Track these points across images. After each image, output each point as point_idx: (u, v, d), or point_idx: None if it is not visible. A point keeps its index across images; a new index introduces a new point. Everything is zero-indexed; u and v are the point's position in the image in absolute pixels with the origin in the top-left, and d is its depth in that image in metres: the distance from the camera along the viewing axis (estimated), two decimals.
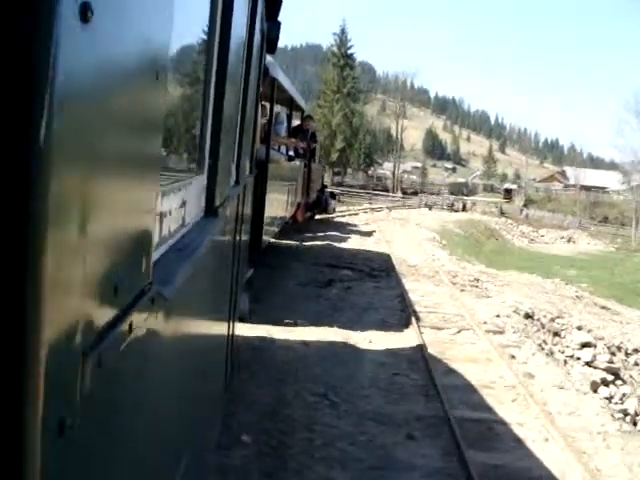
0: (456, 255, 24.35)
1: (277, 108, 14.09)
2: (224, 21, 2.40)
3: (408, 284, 14.29)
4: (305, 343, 9.15)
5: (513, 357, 9.85)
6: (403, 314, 11.55)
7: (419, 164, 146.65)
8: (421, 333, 10.27)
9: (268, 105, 11.58)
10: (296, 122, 18.65)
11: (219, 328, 3.49)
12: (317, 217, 27.14)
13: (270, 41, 6.92)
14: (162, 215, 1.54)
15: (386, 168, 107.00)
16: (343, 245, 20.03)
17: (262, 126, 10.14)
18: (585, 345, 13.02)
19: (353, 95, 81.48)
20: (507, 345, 10.47)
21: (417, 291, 13.70)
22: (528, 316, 12.95)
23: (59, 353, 0.72)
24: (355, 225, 29.58)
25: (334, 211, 32.01)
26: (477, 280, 16.19)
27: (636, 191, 76.70)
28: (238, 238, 4.25)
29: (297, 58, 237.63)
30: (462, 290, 14.54)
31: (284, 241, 18.06)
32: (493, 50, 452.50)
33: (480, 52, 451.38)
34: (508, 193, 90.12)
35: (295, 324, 10.12)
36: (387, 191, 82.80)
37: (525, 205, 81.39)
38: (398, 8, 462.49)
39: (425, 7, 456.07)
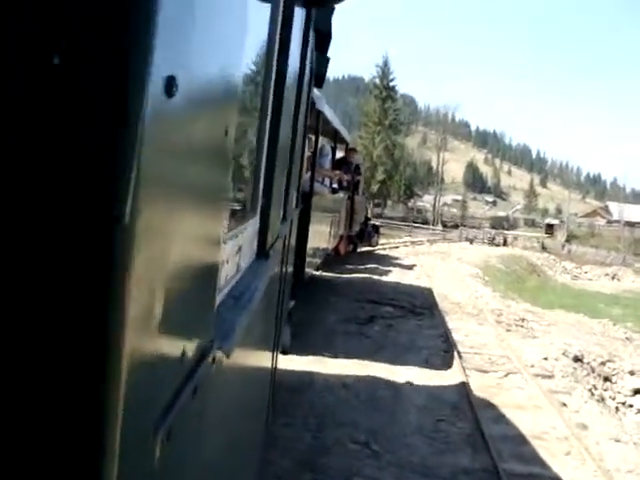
0: (499, 291, 23.80)
1: (322, 140, 14.10)
2: (280, 58, 2.39)
3: (451, 322, 13.86)
4: (344, 385, 8.79)
5: (564, 405, 9.37)
6: (447, 355, 11.11)
7: (459, 197, 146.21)
8: (466, 376, 9.85)
9: (313, 137, 11.52)
10: (340, 154, 18.58)
11: (264, 365, 3.45)
12: (360, 250, 26.85)
13: (318, 75, 7.03)
14: (221, 265, 1.46)
15: (426, 200, 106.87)
16: (384, 279, 19.60)
17: (307, 159, 10.11)
18: (638, 392, 12.42)
19: (394, 127, 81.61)
20: (557, 391, 10.00)
21: (461, 330, 13.25)
22: (577, 359, 12.42)
23: (131, 434, 0.70)
24: (396, 258, 29.20)
25: (377, 244, 31.91)
26: (523, 320, 15.68)
27: None
28: (284, 272, 4.30)
29: (339, 89, 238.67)
30: (508, 330, 14.07)
31: (326, 273, 17.96)
32: (535, 84, 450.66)
33: (522, 86, 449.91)
34: (550, 228, 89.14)
35: (335, 362, 9.79)
36: (427, 224, 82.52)
37: (567, 240, 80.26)
38: (440, 41, 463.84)
39: (467, 41, 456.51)
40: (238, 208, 2.15)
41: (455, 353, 11.05)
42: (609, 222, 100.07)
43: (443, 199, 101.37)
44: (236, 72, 1.22)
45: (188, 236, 0.93)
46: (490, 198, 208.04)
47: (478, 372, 10.40)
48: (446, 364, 10.55)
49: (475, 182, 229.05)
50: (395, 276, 21.09)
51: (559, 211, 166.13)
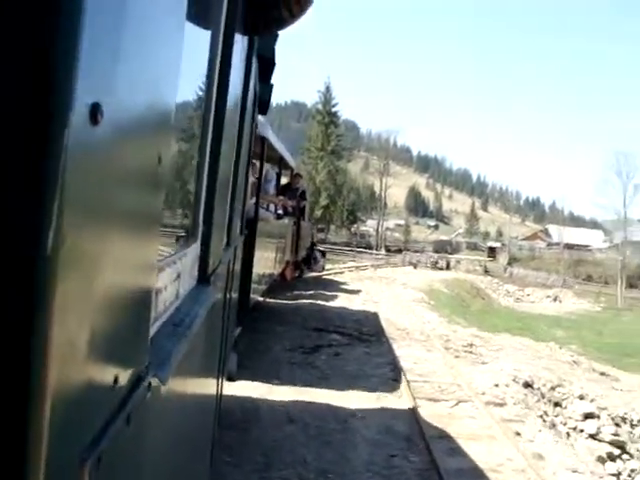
0: (445, 316, 23.73)
1: (267, 166, 14.07)
2: (220, 85, 2.38)
3: (399, 350, 13.63)
4: (291, 419, 8.44)
5: (518, 434, 9.17)
6: (396, 384, 10.85)
7: (402, 221, 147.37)
8: (417, 406, 9.59)
9: (258, 163, 11.49)
10: (285, 180, 18.73)
11: (208, 392, 3.41)
12: (306, 275, 27.05)
13: (262, 102, 7.17)
14: (157, 291, 1.44)
15: (369, 225, 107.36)
16: (330, 304, 19.37)
17: (252, 184, 10.16)
18: (588, 416, 12.32)
19: (337, 152, 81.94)
20: (510, 419, 9.83)
21: (409, 357, 13.02)
22: (527, 385, 12.29)
23: (57, 462, 0.69)
24: (341, 284, 29.01)
25: (323, 269, 32.08)
26: (471, 345, 15.53)
27: (620, 250, 76.99)
28: (228, 298, 4.27)
29: (282, 115, 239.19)
30: (456, 356, 13.88)
31: (273, 300, 17.97)
32: (476, 109, 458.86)
33: (462, 112, 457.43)
34: (492, 251, 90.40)
35: (281, 393, 9.44)
36: (371, 248, 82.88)
37: (509, 263, 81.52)
38: (381, 67, 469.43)
39: (409, 65, 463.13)
40: (177, 235, 2.11)
41: (404, 382, 10.78)
42: (549, 245, 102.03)
43: (386, 224, 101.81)
44: (170, 99, 1.19)
45: (118, 264, 0.91)
46: (432, 222, 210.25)
47: (429, 401, 10.16)
48: (396, 393, 10.28)
49: (417, 206, 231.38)
50: (341, 302, 20.92)
51: (500, 234, 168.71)
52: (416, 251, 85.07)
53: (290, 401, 9.12)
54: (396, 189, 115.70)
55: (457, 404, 10.15)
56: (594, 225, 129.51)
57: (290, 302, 19.04)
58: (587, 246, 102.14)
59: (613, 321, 43.84)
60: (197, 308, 2.00)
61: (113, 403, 0.92)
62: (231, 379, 8.16)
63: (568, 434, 11.59)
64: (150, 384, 1.15)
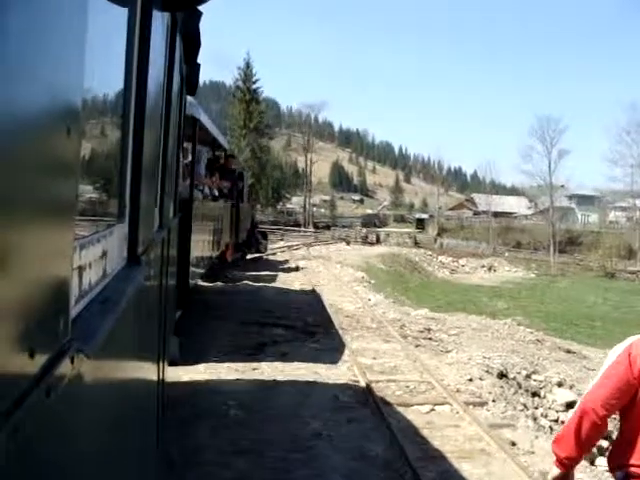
0: (389, 296, 22.42)
1: (201, 148, 14.31)
2: (140, 65, 2.30)
3: (354, 342, 12.12)
4: (241, 451, 6.78)
5: (513, 444, 7.67)
6: (358, 388, 9.28)
7: (327, 197, 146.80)
8: (388, 416, 8.02)
9: (190, 145, 11.54)
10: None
11: (149, 375, 3.37)
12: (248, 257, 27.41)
13: (190, 83, 7.35)
14: (81, 268, 1.45)
15: (295, 203, 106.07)
16: (269, 296, 17.55)
17: (186, 166, 10.42)
18: (570, 405, 10.94)
19: (260, 130, 79.79)
20: (499, 424, 8.44)
21: (366, 351, 11.50)
22: (502, 375, 10.99)
23: None
24: (275, 267, 27.20)
25: (266, 250, 32.29)
26: (428, 330, 14.15)
27: (547, 216, 77.38)
28: (164, 282, 4.32)
29: (201, 96, 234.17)
30: (417, 345, 12.41)
31: (210, 283, 17.79)
32: (393, 80, 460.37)
33: (381, 82, 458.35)
34: (421, 223, 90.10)
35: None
36: (299, 226, 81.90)
37: (439, 234, 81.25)
38: (298, 45, 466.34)
39: (324, 40, 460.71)
40: (102, 214, 2.07)
41: (366, 385, 9.24)
42: (476, 213, 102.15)
43: (311, 200, 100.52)
44: (77, 78, 1.15)
45: (30, 242, 0.90)
46: (357, 197, 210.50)
47: (400, 407, 8.68)
48: (361, 402, 8.73)
49: (341, 181, 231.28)
50: (279, 290, 19.08)
51: (425, 205, 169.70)
52: (344, 226, 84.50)
53: (237, 426, 7.43)
54: (320, 165, 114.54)
55: (433, 409, 8.63)
56: (515, 192, 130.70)
57: (229, 286, 18.41)
58: (512, 213, 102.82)
59: (550, 288, 43.75)
60: (126, 287, 1.98)
61: (29, 375, 0.90)
62: (174, 363, 8.00)
63: (551, 428, 10.20)
64: (73, 358, 1.12)
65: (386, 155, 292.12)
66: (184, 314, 9.83)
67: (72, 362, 1.11)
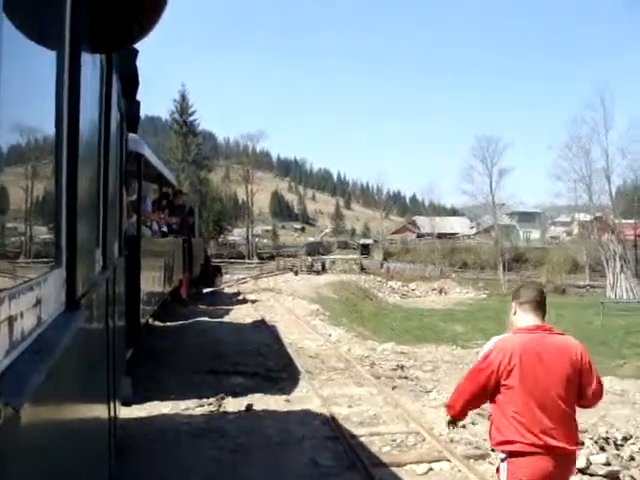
0: (349, 329, 21.20)
1: (149, 185, 14.28)
2: (71, 105, 2.28)
3: (324, 388, 10.84)
4: None
5: None
6: (337, 445, 8.02)
7: (269, 227, 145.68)
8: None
9: (136, 182, 11.09)
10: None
11: (97, 417, 3.36)
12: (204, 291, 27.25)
13: (131, 120, 7.35)
14: (11, 319, 1.41)
15: (236, 234, 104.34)
16: (222, 336, 16.13)
17: (131, 203, 10.19)
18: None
19: (198, 162, 78.14)
20: None
21: (339, 399, 10.28)
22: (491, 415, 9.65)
23: None
24: (227, 302, 25.75)
25: (220, 284, 32.44)
26: (401, 367, 12.95)
27: (495, 235, 77.33)
28: (110, 322, 4.26)
29: (138, 131, 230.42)
30: (394, 387, 11.15)
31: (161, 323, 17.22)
32: (328, 108, 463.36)
33: (316, 111, 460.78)
34: (365, 248, 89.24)
35: None
36: (243, 257, 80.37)
37: (385, 259, 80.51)
38: (231, 74, 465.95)
39: (258, 70, 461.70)
40: (33, 260, 2.00)
41: (347, 441, 7.99)
42: (419, 236, 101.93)
43: (254, 231, 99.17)
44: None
45: None
46: (298, 225, 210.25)
47: (391, 468, 7.41)
48: (343, 464, 7.44)
49: (282, 211, 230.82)
50: (232, 330, 17.67)
51: (367, 230, 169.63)
52: (289, 256, 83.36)
53: None
54: (260, 195, 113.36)
55: (430, 468, 7.39)
56: (455, 213, 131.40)
57: (181, 325, 17.75)
58: (455, 234, 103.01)
59: (503, 308, 42.75)
60: (62, 333, 1.92)
61: None
62: (127, 404, 7.90)
63: None
64: (0, 412, 1.12)
65: (325, 182, 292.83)
66: (135, 353, 9.54)
67: None
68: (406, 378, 12.10)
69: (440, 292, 55.66)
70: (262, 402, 9.95)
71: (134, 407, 9.07)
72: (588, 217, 73.35)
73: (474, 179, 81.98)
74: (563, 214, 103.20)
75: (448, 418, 4.63)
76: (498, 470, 4.31)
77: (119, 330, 5.57)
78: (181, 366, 12.04)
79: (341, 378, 11.73)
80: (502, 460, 4.21)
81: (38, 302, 1.75)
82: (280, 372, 12.01)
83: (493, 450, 4.57)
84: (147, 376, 10.69)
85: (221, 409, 9.58)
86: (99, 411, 3.44)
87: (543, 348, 4.13)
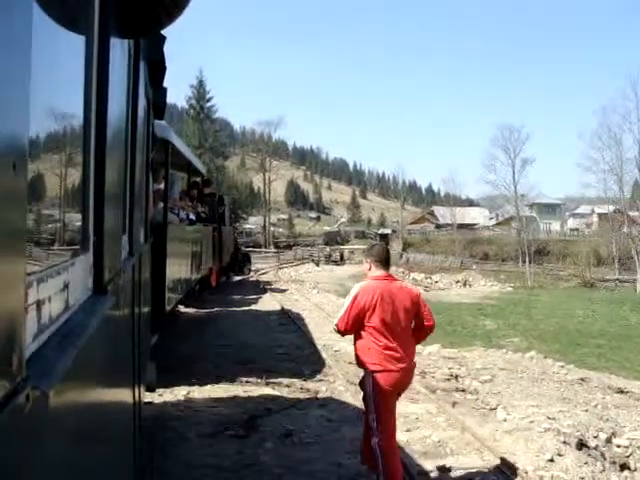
0: None
1: (176, 173, 14.45)
2: (100, 91, 2.29)
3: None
4: None
5: None
6: None
7: (284, 216, 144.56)
8: None
9: (163, 170, 11.20)
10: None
11: (123, 401, 3.39)
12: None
13: (157, 107, 7.54)
14: (39, 303, 1.42)
15: (252, 223, 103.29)
16: (247, 338, 14.58)
17: (158, 191, 10.38)
18: None
19: (216, 149, 76.65)
20: None
21: None
22: (582, 444, 8.12)
23: None
24: (249, 293, 24.27)
25: (250, 272, 33.04)
26: (455, 377, 11.33)
27: (520, 226, 75.70)
28: (136, 308, 4.29)
29: None
30: (454, 404, 9.56)
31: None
32: (345, 96, 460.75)
33: (335, 102, 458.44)
34: (384, 238, 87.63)
35: None
36: (259, 246, 79.19)
37: (404, 249, 79.02)
38: (248, 62, 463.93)
39: (275, 58, 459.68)
40: (61, 245, 2.00)
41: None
42: (438, 226, 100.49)
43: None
44: (23, 109, 1.14)
45: None
46: (314, 214, 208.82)
47: None
48: None
49: (297, 200, 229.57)
50: (261, 329, 16.09)
51: (383, 220, 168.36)
52: (306, 245, 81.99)
53: None
54: (275, 184, 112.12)
55: None
56: (470, 204, 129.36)
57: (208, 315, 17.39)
58: (474, 225, 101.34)
59: (532, 302, 41.44)
60: (90, 318, 1.94)
61: None
62: (151, 389, 7.91)
63: None
64: (28, 395, 1.11)
65: (341, 172, 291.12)
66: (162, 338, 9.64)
67: (27, 399, 1.11)
68: (464, 391, 10.50)
69: (464, 284, 54.07)
70: (302, 423, 8.40)
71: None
72: (608, 209, 71.64)
73: (496, 169, 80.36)
74: (583, 205, 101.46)
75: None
76: (362, 383, 5.88)
77: (145, 316, 5.73)
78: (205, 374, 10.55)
79: None
80: (365, 375, 5.78)
81: (66, 286, 1.78)
82: (318, 382, 10.45)
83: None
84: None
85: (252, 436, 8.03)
86: (125, 395, 3.49)
87: (392, 290, 5.77)
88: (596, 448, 8.38)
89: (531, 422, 8.68)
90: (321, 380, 10.59)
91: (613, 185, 68.78)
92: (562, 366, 14.17)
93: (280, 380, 10.52)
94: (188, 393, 9.61)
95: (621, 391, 12.42)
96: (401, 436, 7.90)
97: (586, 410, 9.86)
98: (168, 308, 10.30)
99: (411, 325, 5.87)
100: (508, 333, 26.74)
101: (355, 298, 5.67)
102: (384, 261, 5.95)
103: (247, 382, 10.35)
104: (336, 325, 5.80)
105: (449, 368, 11.99)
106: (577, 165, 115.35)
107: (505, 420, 8.92)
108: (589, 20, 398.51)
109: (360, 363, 5.79)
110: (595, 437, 8.69)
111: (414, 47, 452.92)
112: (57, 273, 1.66)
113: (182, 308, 17.30)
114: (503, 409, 9.46)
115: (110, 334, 2.68)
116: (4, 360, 1.01)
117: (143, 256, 5.40)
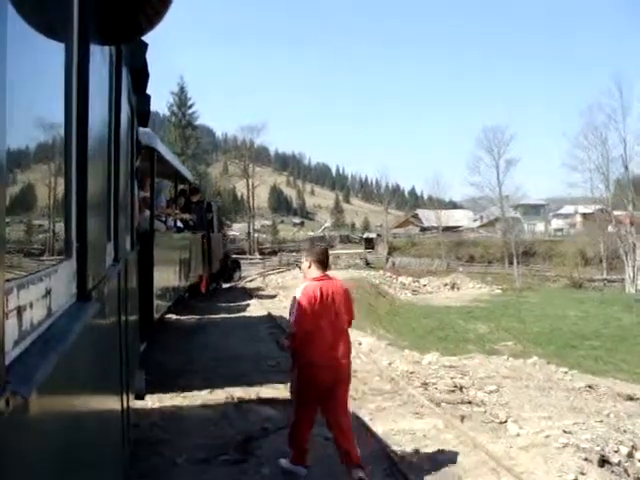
0: (376, 333, 19.03)
1: (164, 181, 14.49)
2: (80, 98, 2.29)
3: (376, 422, 8.68)
4: None
5: None
6: None
7: (268, 222, 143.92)
8: None
9: (149, 179, 11.15)
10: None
11: (109, 410, 3.38)
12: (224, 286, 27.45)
13: (141, 114, 7.52)
14: (20, 309, 1.42)
15: (236, 229, 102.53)
16: (237, 348, 13.90)
17: (144, 199, 10.37)
18: None
19: (198, 156, 75.80)
20: None
21: (398, 435, 8.10)
22: (603, 461, 7.55)
23: None
24: (230, 306, 23.54)
25: (240, 279, 32.80)
26: (460, 389, 10.68)
27: (495, 228, 75.59)
28: (122, 315, 4.28)
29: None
30: (462, 418, 8.94)
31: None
32: (326, 102, 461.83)
33: (316, 107, 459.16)
34: (369, 242, 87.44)
35: None
36: (244, 253, 78.32)
37: (389, 253, 78.59)
38: (227, 67, 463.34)
39: (262, 61, 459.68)
40: (44, 251, 2.04)
41: None
42: (423, 229, 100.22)
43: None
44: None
45: None
46: (297, 220, 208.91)
47: None
48: None
49: (281, 205, 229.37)
50: (241, 340, 15.40)
51: (367, 224, 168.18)
52: (291, 251, 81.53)
53: None
54: (258, 190, 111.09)
55: None
56: (454, 206, 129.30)
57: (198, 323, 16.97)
58: (459, 227, 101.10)
59: (522, 304, 41.06)
60: (73, 324, 1.93)
61: None
62: (140, 397, 7.56)
63: None
64: (8, 400, 1.13)
65: (324, 176, 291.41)
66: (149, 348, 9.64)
67: (7, 404, 1.12)
68: (470, 403, 9.88)
69: (452, 287, 53.60)
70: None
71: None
72: (595, 208, 71.54)
73: (481, 171, 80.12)
74: (566, 205, 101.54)
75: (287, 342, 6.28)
76: (293, 375, 6.28)
77: (132, 323, 5.72)
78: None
79: (393, 405, 9.48)
80: (293, 368, 6.22)
81: (48, 293, 1.77)
82: None
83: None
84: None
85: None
86: (112, 403, 3.47)
87: (330, 289, 6.18)
88: (619, 464, 7.81)
89: (547, 437, 8.09)
90: None
91: (599, 184, 68.67)
92: (566, 372, 13.63)
93: (274, 395, 9.86)
94: (176, 411, 8.95)
95: (630, 398, 11.89)
96: (403, 449, 7.38)
97: (601, 421, 9.30)
98: (156, 316, 10.22)
99: (345, 319, 6.35)
100: (501, 336, 26.33)
101: (300, 300, 6.07)
102: (323, 262, 6.37)
103: (239, 399, 9.69)
104: (291, 334, 6.22)
105: (451, 378, 11.37)
106: (563, 165, 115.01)
107: (518, 435, 8.31)
108: (573, 19, 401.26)
109: (296, 357, 6.23)
110: (616, 452, 8.12)
111: (397, 49, 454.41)
112: (39, 280, 1.67)
113: (173, 316, 17.12)
114: (514, 422, 8.87)
115: (95, 341, 2.69)
116: None
117: (130, 263, 5.47)
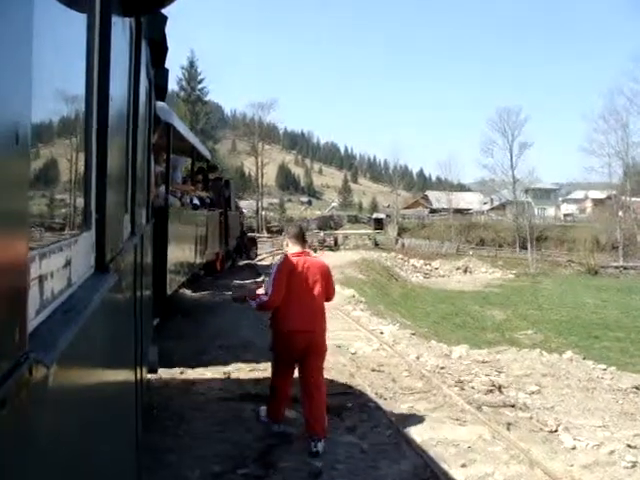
0: (395, 319, 18.03)
1: (179, 157, 13.89)
2: (102, 70, 2.29)
3: (410, 427, 7.61)
4: None
5: None
6: None
7: (276, 200, 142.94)
8: None
9: (165, 154, 11.10)
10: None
11: (124, 383, 3.38)
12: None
13: (159, 88, 7.63)
14: (42, 278, 1.43)
15: (244, 207, 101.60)
16: (248, 336, 12.90)
17: (160, 174, 10.49)
18: None
19: (207, 132, 74.67)
20: None
21: (439, 447, 7.08)
22: None
23: None
24: (246, 282, 22.68)
25: (256, 256, 32.67)
26: (498, 388, 9.65)
27: (505, 211, 74.37)
28: (138, 289, 4.31)
29: None
30: (508, 426, 7.93)
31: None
32: (337, 80, 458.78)
33: (326, 86, 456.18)
34: (379, 223, 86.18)
35: None
36: (252, 231, 77.27)
37: (399, 234, 77.47)
38: (242, 47, 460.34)
39: (270, 46, 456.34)
40: (63, 222, 2.01)
41: None
42: (432, 211, 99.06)
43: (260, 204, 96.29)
44: (25, 85, 1.13)
45: None
46: (305, 198, 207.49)
47: None
48: None
49: (288, 184, 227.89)
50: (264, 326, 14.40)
51: (375, 204, 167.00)
52: None
53: None
54: (266, 168, 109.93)
55: None
56: (461, 188, 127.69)
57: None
58: (469, 210, 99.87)
59: (538, 290, 40.32)
60: (92, 295, 1.93)
61: None
62: (153, 371, 7.72)
63: None
64: (31, 369, 1.10)
65: (332, 156, 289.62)
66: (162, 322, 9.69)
67: (30, 373, 1.11)
68: (513, 407, 8.88)
69: (465, 271, 52.63)
70: (329, 455, 6.72)
71: None
72: (612, 194, 70.28)
73: (494, 153, 78.86)
74: (577, 190, 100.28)
75: (253, 304, 6.89)
76: (273, 343, 6.89)
77: (147, 298, 5.78)
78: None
79: (428, 408, 8.44)
80: (275, 336, 6.80)
81: (68, 263, 1.79)
82: (339, 396, 8.75)
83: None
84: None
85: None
86: (126, 374, 3.45)
87: (307, 264, 6.72)
88: None
89: (611, 453, 7.09)
90: (343, 394, 8.91)
91: (618, 169, 67.32)
92: (604, 369, 12.61)
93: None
94: (185, 416, 7.95)
95: None
96: (457, 475, 6.33)
97: None
98: (169, 292, 10.21)
99: (322, 293, 6.77)
100: (520, 325, 25.40)
101: (280, 270, 6.64)
102: (300, 238, 6.97)
103: (256, 396, 8.67)
104: (268, 302, 6.65)
105: (486, 375, 10.37)
106: (580, 148, 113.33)
107: (575, 448, 7.31)
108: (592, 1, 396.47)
109: (273, 325, 6.80)
110: None
111: (408, 30, 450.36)
112: (60, 249, 1.68)
113: (188, 292, 17.23)
114: (566, 431, 7.86)
115: (112, 312, 2.67)
116: (7, 333, 1.01)
117: (145, 237, 5.47)
